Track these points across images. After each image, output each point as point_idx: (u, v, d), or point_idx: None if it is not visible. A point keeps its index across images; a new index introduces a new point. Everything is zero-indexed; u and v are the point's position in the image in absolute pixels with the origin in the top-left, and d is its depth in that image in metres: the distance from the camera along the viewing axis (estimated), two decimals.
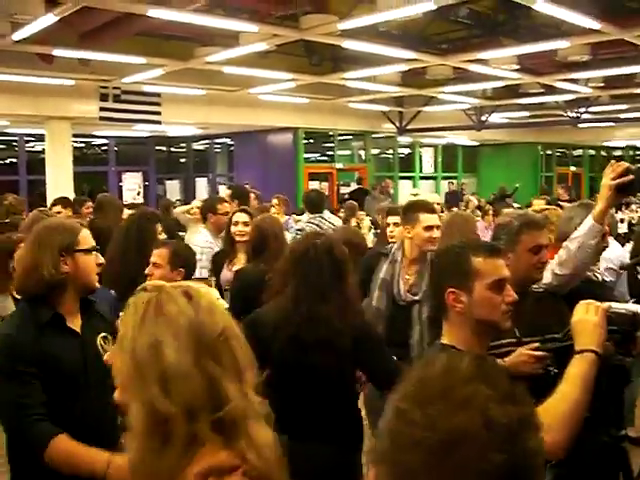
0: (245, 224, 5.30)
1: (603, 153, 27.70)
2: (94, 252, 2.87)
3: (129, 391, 1.49)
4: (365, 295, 4.19)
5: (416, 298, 4.06)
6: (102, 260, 3.01)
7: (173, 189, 21.26)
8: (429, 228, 4.10)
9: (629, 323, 2.38)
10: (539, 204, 7.73)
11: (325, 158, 20.19)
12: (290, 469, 1.53)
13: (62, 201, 7.88)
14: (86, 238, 2.82)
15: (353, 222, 9.31)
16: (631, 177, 2.80)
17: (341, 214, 10.25)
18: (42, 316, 2.66)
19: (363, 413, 3.59)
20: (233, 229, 5.31)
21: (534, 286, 3.02)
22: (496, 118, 19.15)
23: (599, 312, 2.22)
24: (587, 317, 2.21)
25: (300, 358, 3.12)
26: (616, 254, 4.99)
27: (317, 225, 6.69)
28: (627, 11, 9.86)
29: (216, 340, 1.50)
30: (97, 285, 2.88)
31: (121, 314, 1.64)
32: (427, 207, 4.28)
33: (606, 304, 2.27)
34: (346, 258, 3.31)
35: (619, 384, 2.48)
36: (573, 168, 26.40)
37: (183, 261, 3.99)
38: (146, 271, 3.90)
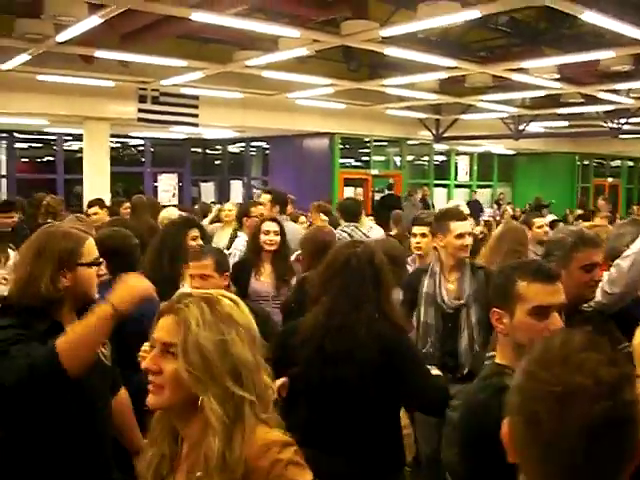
0: (276, 233, 5.26)
1: None
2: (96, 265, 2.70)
3: (197, 387, 1.68)
4: (411, 313, 4.16)
5: (462, 302, 4.00)
6: (104, 271, 2.91)
7: (208, 191, 21.36)
8: (461, 236, 4.07)
9: None
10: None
11: (360, 164, 20.16)
12: None
13: (98, 202, 7.92)
14: (90, 250, 2.65)
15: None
16: None
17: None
18: (39, 325, 2.51)
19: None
20: (263, 238, 5.23)
21: (584, 305, 2.95)
22: (534, 127, 18.96)
23: None
24: None
25: (323, 369, 3.03)
26: None
27: (349, 234, 6.54)
28: None
29: (259, 339, 1.83)
30: (96, 297, 2.69)
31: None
32: (458, 215, 4.25)
33: None
34: (386, 267, 3.24)
35: None
36: (610, 179, 26.06)
37: (226, 265, 3.96)
38: (193, 285, 3.78)
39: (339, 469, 2.93)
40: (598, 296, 2.97)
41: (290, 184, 15.03)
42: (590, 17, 7.68)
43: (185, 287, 4.59)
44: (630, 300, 2.97)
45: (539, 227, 6.27)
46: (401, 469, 3.22)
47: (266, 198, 6.95)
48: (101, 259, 2.74)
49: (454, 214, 4.27)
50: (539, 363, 1.29)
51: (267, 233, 5.25)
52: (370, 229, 7.51)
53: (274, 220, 5.45)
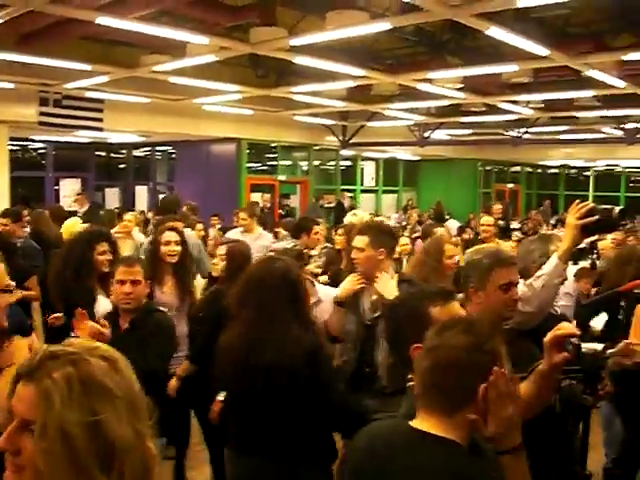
0: (177, 243, 5.15)
1: (539, 171, 28.35)
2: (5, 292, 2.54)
3: (56, 477, 1.36)
4: None
5: (378, 314, 4.02)
6: (14, 300, 2.70)
7: (112, 197, 20.90)
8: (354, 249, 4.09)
9: (593, 362, 2.39)
10: (488, 221, 7.81)
11: (267, 169, 20.13)
12: None
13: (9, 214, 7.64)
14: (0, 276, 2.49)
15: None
16: (596, 217, 2.84)
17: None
18: None
19: None
20: (164, 249, 5.09)
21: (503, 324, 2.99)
22: (438, 134, 19.36)
23: None
24: None
25: (250, 382, 3.11)
26: (571, 279, 5.04)
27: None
28: (570, 37, 10.10)
29: (141, 400, 1.49)
30: (5, 325, 2.54)
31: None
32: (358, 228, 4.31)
33: None
34: (302, 282, 3.29)
35: (584, 424, 2.49)
36: (511, 185, 26.89)
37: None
38: (123, 290, 3.77)
39: (270, 472, 3.12)
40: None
41: (196, 190, 14.87)
42: (495, 32, 7.88)
43: (100, 300, 4.50)
44: (543, 317, 3.05)
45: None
46: (330, 464, 3.33)
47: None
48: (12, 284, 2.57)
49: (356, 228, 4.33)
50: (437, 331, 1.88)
51: (168, 243, 5.12)
52: (259, 236, 7.67)
53: (174, 230, 5.31)
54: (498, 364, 1.80)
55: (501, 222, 13.41)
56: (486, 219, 7.88)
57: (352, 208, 15.72)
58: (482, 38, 9.15)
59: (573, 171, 28.15)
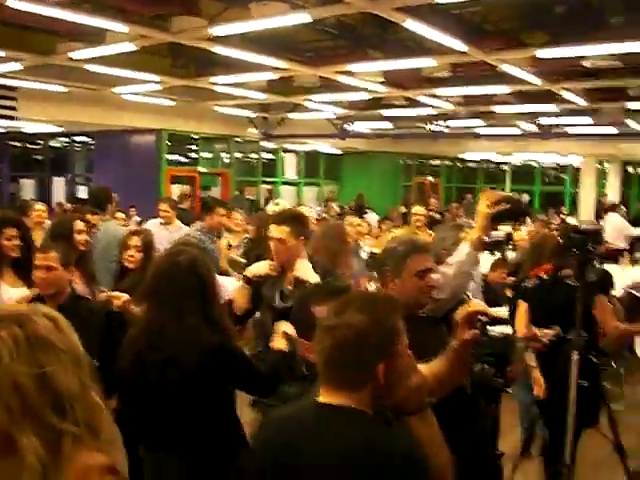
0: (85, 232, 5.15)
1: (459, 164, 28.87)
2: None
3: (13, 428, 1.49)
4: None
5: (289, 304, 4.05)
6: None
7: (28, 188, 20.34)
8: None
9: (503, 346, 2.47)
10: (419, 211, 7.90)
11: (188, 161, 19.93)
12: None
13: None
14: None
15: None
16: (507, 206, 2.92)
17: None
18: None
19: None
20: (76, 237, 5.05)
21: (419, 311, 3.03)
22: (360, 127, 19.50)
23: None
24: None
25: (146, 377, 3.10)
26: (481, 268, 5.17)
27: None
28: (486, 33, 10.32)
29: (83, 357, 1.63)
30: None
31: None
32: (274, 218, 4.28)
33: None
34: (211, 274, 3.26)
35: (495, 406, 2.57)
36: (431, 178, 27.29)
37: (72, 259, 3.98)
38: (37, 275, 3.79)
39: (175, 465, 3.09)
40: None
41: (116, 181, 14.60)
42: (412, 25, 7.99)
43: (3, 287, 4.42)
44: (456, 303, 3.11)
45: (357, 225, 6.52)
46: (235, 456, 3.28)
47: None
48: None
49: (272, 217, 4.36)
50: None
51: (79, 232, 5.10)
52: (179, 229, 7.63)
53: (83, 220, 5.29)
54: (398, 339, 1.83)
55: (438, 215, 13.70)
56: (418, 209, 7.94)
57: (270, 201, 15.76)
58: (403, 32, 9.25)
59: (491, 165, 28.77)
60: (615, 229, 12.67)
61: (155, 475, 3.23)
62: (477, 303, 2.37)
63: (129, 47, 9.64)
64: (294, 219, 4.10)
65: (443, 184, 27.86)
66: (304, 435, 1.78)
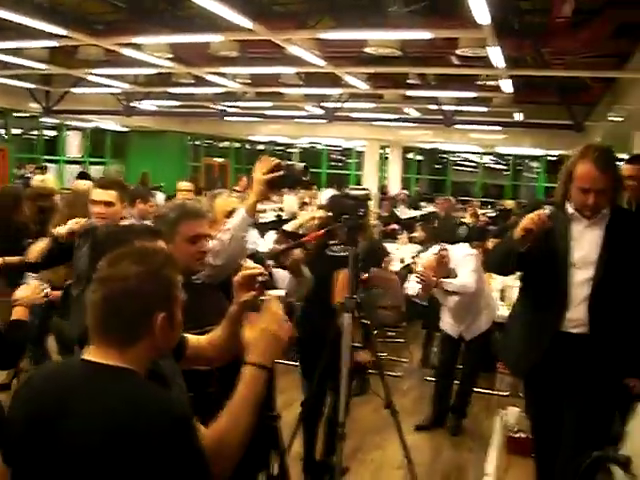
0: None
1: (248, 146, 29.12)
2: None
3: None
4: None
5: None
6: None
7: None
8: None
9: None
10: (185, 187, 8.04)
11: None
12: None
13: None
14: None
15: None
16: (281, 173, 3.00)
17: None
18: None
19: None
20: None
21: (193, 277, 3.00)
22: (146, 105, 19.08)
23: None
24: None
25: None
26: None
27: None
28: (276, 14, 10.48)
29: None
30: None
31: None
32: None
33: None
34: None
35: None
36: (220, 159, 27.32)
37: None
38: None
39: None
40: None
41: None
42: (201, 1, 7.93)
43: None
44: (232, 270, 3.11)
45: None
46: None
47: None
48: None
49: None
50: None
51: None
52: None
53: None
54: (174, 291, 1.80)
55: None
56: (183, 184, 8.31)
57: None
58: (193, 8, 9.16)
59: (279, 147, 29.27)
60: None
61: None
62: (253, 265, 2.39)
63: None
64: (119, 184, 4.32)
65: (232, 165, 27.99)
66: (66, 392, 1.69)
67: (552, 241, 3.39)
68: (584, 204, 3.31)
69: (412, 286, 6.37)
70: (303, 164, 3.08)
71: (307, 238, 4.23)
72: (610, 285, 3.32)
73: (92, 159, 22.87)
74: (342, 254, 4.42)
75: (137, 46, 11.36)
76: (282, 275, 4.61)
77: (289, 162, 3.08)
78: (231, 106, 19.02)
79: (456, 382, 6.38)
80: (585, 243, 3.39)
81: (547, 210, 3.24)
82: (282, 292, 2.39)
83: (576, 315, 3.36)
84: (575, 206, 3.39)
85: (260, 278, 2.30)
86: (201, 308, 2.62)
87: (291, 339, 2.60)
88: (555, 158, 23.15)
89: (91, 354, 1.75)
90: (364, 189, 3.74)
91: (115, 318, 1.72)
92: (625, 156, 6.35)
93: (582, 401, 3.38)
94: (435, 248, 6.12)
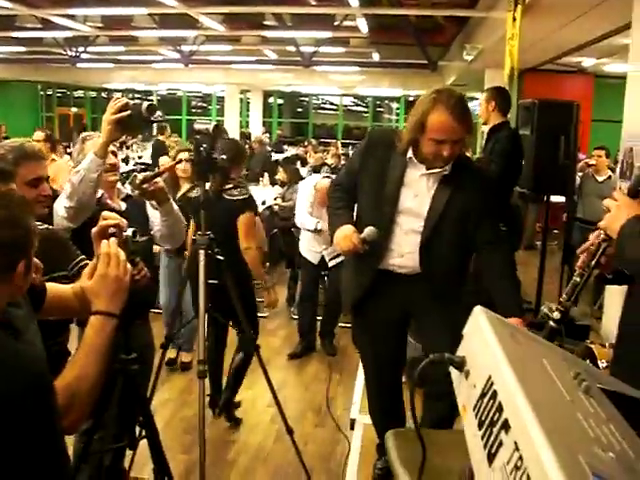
0: None
1: (104, 95, 28.15)
2: None
3: None
4: None
5: None
6: None
7: None
8: None
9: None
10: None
11: None
12: None
13: None
14: None
15: None
16: (128, 112, 2.96)
17: None
18: None
19: None
20: None
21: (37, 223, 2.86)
22: None
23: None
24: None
25: None
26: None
27: None
28: None
29: None
30: None
31: None
32: None
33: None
34: None
35: None
36: (75, 109, 26.36)
37: None
38: None
39: None
40: (62, 211, 3.01)
41: None
42: None
43: None
44: (90, 213, 3.01)
45: None
46: None
47: None
48: None
49: None
50: None
51: None
52: None
53: None
54: (33, 239, 1.72)
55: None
56: (39, 134, 7.85)
57: None
58: None
59: (138, 95, 28.44)
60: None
61: None
62: (109, 215, 2.30)
63: None
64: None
65: (89, 115, 27.07)
66: None
67: (383, 184, 3.35)
68: (437, 155, 3.15)
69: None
70: (148, 103, 3.03)
71: (163, 169, 4.25)
72: (439, 237, 3.30)
73: None
74: (240, 197, 4.59)
75: None
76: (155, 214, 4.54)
77: (135, 102, 3.02)
78: (83, 52, 18.22)
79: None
80: (418, 191, 3.32)
81: (367, 231, 3.20)
82: (130, 232, 2.29)
83: (405, 263, 3.37)
84: (426, 156, 3.22)
85: (111, 230, 2.23)
86: (48, 252, 2.53)
87: (143, 278, 2.54)
88: (412, 98, 23.63)
89: None
90: (207, 123, 3.66)
91: None
92: (479, 95, 6.48)
93: (427, 320, 3.48)
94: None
